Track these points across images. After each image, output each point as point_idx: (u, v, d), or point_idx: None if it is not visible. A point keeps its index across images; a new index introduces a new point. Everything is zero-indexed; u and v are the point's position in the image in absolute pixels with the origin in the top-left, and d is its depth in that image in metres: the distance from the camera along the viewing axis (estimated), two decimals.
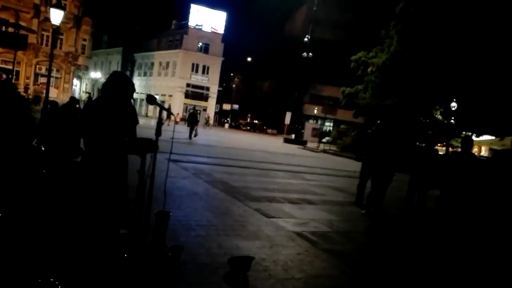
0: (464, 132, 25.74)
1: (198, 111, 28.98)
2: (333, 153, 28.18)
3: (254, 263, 3.96)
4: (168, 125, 27.62)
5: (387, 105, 25.85)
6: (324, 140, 35.82)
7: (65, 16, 11.92)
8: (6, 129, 5.77)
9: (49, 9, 11.72)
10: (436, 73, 23.39)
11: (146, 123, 23.24)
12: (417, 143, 26.55)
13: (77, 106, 9.37)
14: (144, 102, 48.06)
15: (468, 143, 6.42)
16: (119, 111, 2.98)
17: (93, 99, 3.49)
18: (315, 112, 48.54)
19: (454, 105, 25.40)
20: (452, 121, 27.28)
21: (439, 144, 28.65)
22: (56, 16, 10.63)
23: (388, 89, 25.98)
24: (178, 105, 46.82)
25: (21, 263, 3.15)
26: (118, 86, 2.94)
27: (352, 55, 29.54)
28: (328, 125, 52.85)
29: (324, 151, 28.81)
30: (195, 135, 21.60)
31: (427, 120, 27.70)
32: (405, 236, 6.57)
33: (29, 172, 4.48)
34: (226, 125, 55.36)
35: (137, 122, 3.15)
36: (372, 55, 28.28)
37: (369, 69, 27.97)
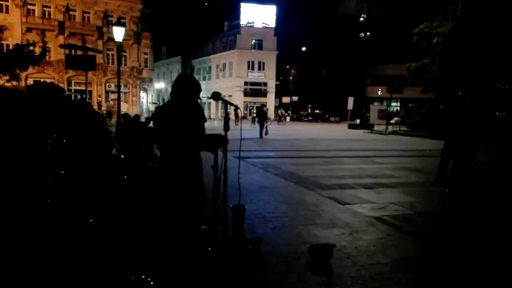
0: None
1: (267, 107, 26.48)
2: (403, 133, 26.86)
3: (336, 251, 3.87)
4: (237, 124, 28.04)
5: (459, 76, 24.00)
6: (392, 121, 34.28)
7: (125, 33, 12.61)
8: (87, 142, 6.24)
9: (111, 28, 12.47)
10: (510, 33, 21.23)
11: (210, 125, 23.86)
12: (497, 113, 24.41)
13: (141, 120, 10.08)
14: (207, 105, 49.62)
15: None
16: (188, 112, 3.06)
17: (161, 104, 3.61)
18: (379, 94, 46.56)
19: None
20: None
21: None
22: (119, 33, 11.29)
23: (458, 59, 24.08)
24: (238, 104, 47.30)
25: (113, 264, 3.36)
26: (184, 87, 3.01)
27: (413, 28, 27.85)
28: (395, 105, 50.45)
29: (394, 132, 27.54)
30: (266, 133, 19.75)
31: (506, 87, 25.28)
32: (493, 214, 6.02)
33: (113, 179, 4.78)
34: (288, 118, 55.21)
35: (205, 120, 3.21)
36: (436, 25, 26.42)
37: (434, 40, 26.14)
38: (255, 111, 35.92)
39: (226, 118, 3.13)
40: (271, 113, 47.69)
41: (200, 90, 3.09)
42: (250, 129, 22.88)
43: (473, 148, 6.90)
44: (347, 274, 3.49)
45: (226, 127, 3.13)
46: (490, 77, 23.43)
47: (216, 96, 3.15)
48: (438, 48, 26.06)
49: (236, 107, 3.22)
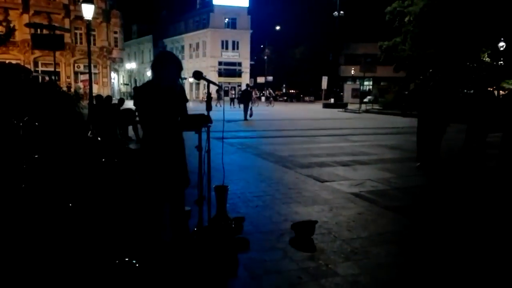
0: None
1: (250, 88, 23.97)
2: (376, 112, 27.39)
3: (318, 227, 3.96)
4: (217, 105, 27.53)
5: (430, 54, 24.50)
6: (365, 100, 34.77)
7: (94, 11, 12.11)
8: (59, 125, 6.04)
9: (79, 6, 11.94)
10: (480, 13, 21.74)
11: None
12: (466, 90, 25.17)
13: (112, 102, 9.82)
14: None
15: None
16: (169, 92, 2.99)
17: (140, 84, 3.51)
18: (353, 73, 47.01)
19: (502, 44, 23.61)
20: (501, 62, 25.48)
21: (489, 88, 26.98)
22: (88, 10, 10.84)
23: (429, 37, 24.56)
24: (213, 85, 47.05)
25: (96, 248, 3.32)
26: (165, 66, 2.93)
27: (386, 7, 28.06)
28: (368, 84, 51.09)
29: (367, 111, 28.03)
30: (251, 115, 19.25)
31: (475, 64, 26.06)
32: (467, 186, 6.28)
33: (90, 162, 4.67)
34: (263, 98, 55.15)
35: (186, 100, 3.15)
36: (408, 4, 26.76)
37: (406, 19, 26.52)
38: (233, 92, 35.52)
39: (209, 97, 3.09)
40: (272, 93, 46.43)
41: (181, 68, 3.00)
42: (229, 110, 22.60)
43: (443, 125, 7.13)
44: (330, 249, 3.59)
45: (209, 107, 3.10)
46: (459, 55, 24.04)
47: (197, 75, 3.09)
48: (409, 27, 26.47)
49: (219, 87, 3.17)
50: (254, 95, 30.76)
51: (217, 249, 3.36)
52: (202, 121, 2.96)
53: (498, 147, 6.63)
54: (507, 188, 6.01)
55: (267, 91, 40.30)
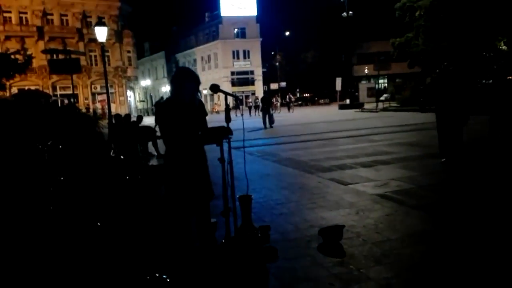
0: None
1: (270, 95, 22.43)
2: (394, 109, 27.04)
3: (345, 231, 3.90)
4: (237, 115, 27.42)
5: (444, 47, 24.09)
6: (382, 98, 34.40)
7: (107, 34, 12.39)
8: (82, 146, 6.16)
9: (91, 29, 12.24)
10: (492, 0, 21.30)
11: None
12: (484, 80, 24.61)
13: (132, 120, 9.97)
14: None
15: None
16: (189, 107, 3.02)
17: (160, 102, 3.54)
18: (366, 72, 46.64)
19: None
20: None
21: (509, 77, 26.30)
22: (101, 33, 11.10)
23: (442, 30, 24.16)
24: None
25: (127, 264, 3.35)
26: (184, 81, 2.96)
27: (395, 3, 27.80)
28: (383, 82, 50.55)
29: (384, 109, 27.70)
30: (272, 122, 18.05)
31: (491, 54, 25.45)
32: (495, 180, 6.10)
33: (114, 181, 4.75)
34: (278, 104, 55.11)
35: (206, 113, 3.18)
36: None
37: (416, 14, 26.17)
38: (250, 100, 35.13)
39: (227, 109, 3.10)
40: (293, 98, 41.60)
41: (199, 83, 3.03)
42: (249, 119, 22.56)
43: (463, 117, 6.93)
44: (360, 253, 3.52)
45: (228, 118, 3.11)
46: (474, 46, 23.56)
47: (214, 88, 3.11)
48: (421, 21, 26.11)
49: (237, 98, 3.18)
50: (274, 102, 30.00)
51: (246, 259, 3.35)
52: (223, 134, 2.97)
53: None
54: None
55: (287, 97, 38.22)
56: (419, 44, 26.61)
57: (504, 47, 25.34)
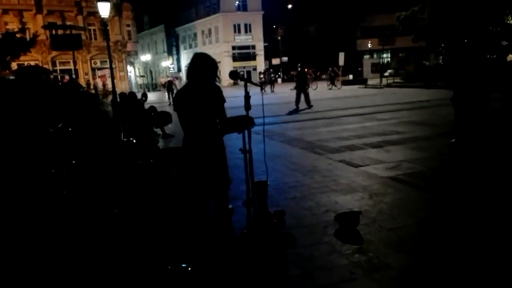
0: None
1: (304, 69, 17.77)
2: (398, 85, 26.78)
3: (361, 216, 3.89)
4: (265, 90, 25.87)
5: (451, 22, 23.58)
6: (386, 73, 33.90)
7: (110, 8, 12.05)
8: (90, 129, 6.10)
9: (90, 2, 11.92)
10: None
11: None
12: (488, 56, 24.27)
13: (138, 98, 9.81)
14: None
15: None
16: (208, 93, 2.95)
17: (179, 88, 3.44)
18: (370, 46, 45.89)
19: None
20: None
21: None
22: (104, 8, 10.82)
23: (449, 3, 23.58)
24: (228, 69, 46.74)
25: (147, 253, 3.36)
26: (201, 68, 2.87)
27: None
28: (386, 57, 49.79)
29: (388, 85, 27.41)
30: (308, 104, 15.18)
31: (498, 29, 24.95)
32: (506, 161, 6.06)
33: (127, 165, 4.71)
34: (279, 80, 54.56)
35: (224, 100, 3.11)
36: None
37: None
38: (262, 76, 33.10)
39: (247, 96, 3.03)
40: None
41: (217, 68, 2.94)
42: (266, 96, 21.66)
43: (483, 95, 6.74)
44: (377, 240, 3.53)
45: (248, 106, 3.04)
46: (481, 20, 23.05)
47: (234, 75, 3.03)
48: None
49: (256, 85, 3.09)
50: (309, 77, 24.49)
51: (264, 246, 3.35)
52: (245, 123, 2.91)
53: None
54: None
55: (330, 70, 31.83)
56: (425, 18, 26.04)
57: None
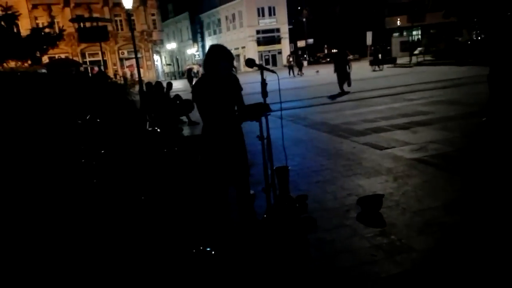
0: None
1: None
2: (428, 63, 25.88)
3: (384, 199, 3.87)
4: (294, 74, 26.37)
5: None
6: (416, 52, 32.77)
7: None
8: (117, 119, 6.30)
9: None
10: None
11: None
12: None
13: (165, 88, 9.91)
14: None
15: None
16: (225, 82, 3.03)
17: (198, 77, 3.53)
18: (399, 24, 44.34)
19: None
20: None
21: None
22: (128, 0, 10.98)
23: None
24: (252, 54, 46.49)
25: (173, 238, 3.49)
26: (217, 58, 2.95)
27: None
28: (416, 34, 48.07)
29: (418, 63, 26.56)
30: (349, 84, 14.54)
31: None
32: None
33: (153, 153, 4.86)
34: (305, 63, 53.79)
35: (241, 88, 3.16)
36: None
37: None
38: (291, 59, 32.30)
39: (264, 84, 3.05)
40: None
41: (233, 59, 3.02)
42: (287, 78, 21.04)
43: None
44: (401, 223, 3.51)
45: (265, 93, 3.06)
46: None
47: (250, 62, 3.05)
48: None
49: (271, 71, 3.10)
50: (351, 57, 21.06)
51: (286, 231, 3.40)
52: (261, 110, 2.94)
53: None
54: None
55: (372, 48, 29.50)
56: None
57: None
